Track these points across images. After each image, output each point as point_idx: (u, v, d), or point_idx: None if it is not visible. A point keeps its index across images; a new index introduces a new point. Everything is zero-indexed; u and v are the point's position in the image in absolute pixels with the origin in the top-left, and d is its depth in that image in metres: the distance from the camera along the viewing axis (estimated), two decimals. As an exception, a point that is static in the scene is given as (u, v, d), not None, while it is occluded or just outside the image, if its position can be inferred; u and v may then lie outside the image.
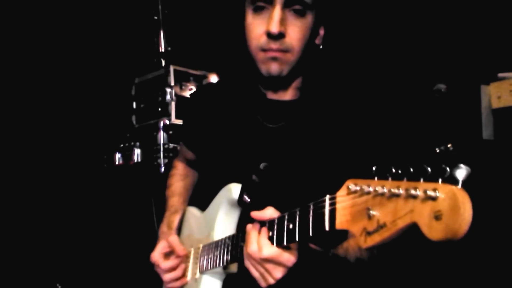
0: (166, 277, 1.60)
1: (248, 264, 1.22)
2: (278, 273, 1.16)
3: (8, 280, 3.11)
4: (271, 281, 1.18)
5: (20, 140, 3.28)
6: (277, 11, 1.36)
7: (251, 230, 1.22)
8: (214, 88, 1.74)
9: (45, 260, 3.24)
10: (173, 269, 1.59)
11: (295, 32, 1.39)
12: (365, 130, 1.45)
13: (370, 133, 1.45)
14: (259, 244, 1.16)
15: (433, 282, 2.06)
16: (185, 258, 1.62)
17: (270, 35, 1.38)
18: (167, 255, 1.63)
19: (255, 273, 1.21)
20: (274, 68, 1.42)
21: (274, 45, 1.39)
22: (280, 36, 1.37)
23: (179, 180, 1.87)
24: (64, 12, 3.36)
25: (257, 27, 1.41)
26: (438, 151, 1.83)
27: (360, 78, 1.60)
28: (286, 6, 1.37)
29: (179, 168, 1.90)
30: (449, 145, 1.83)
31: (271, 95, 1.54)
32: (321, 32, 1.50)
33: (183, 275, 1.61)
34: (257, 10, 1.41)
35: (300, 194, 1.10)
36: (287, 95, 1.53)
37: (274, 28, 1.36)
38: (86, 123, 3.43)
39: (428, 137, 1.95)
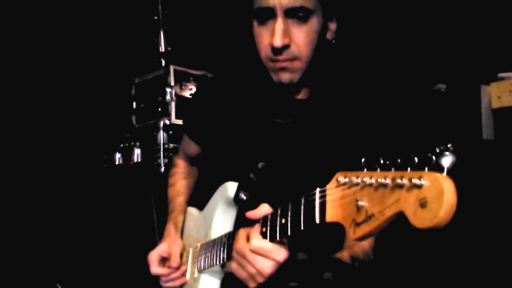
0: (162, 279, 1.63)
1: (234, 265, 1.20)
2: (268, 268, 1.12)
3: (8, 280, 3.11)
4: (260, 279, 1.14)
5: (20, 140, 3.28)
6: (278, 24, 1.35)
7: (241, 230, 1.21)
8: (221, 81, 1.71)
9: (45, 260, 3.24)
10: (163, 275, 1.62)
11: (301, 39, 1.38)
12: (366, 130, 1.46)
13: (370, 133, 1.45)
14: (249, 236, 1.15)
15: (427, 282, 2.06)
16: (182, 260, 1.63)
17: (274, 48, 1.37)
18: (164, 259, 1.63)
19: (242, 274, 1.17)
20: (284, 77, 1.42)
21: (281, 56, 1.38)
22: (285, 47, 1.37)
23: (182, 178, 1.86)
24: (64, 12, 3.36)
25: (264, 38, 1.41)
26: (438, 151, 1.83)
27: (364, 78, 1.60)
28: (287, 16, 1.36)
29: (181, 166, 1.89)
30: (449, 145, 1.82)
31: (281, 92, 1.53)
32: (332, 26, 1.46)
33: (179, 277, 1.61)
34: (262, 21, 1.40)
35: (297, 192, 1.10)
36: (298, 94, 1.54)
37: (277, 42, 1.35)
38: (86, 123, 3.43)
39: (428, 137, 1.95)
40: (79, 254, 3.25)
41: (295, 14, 1.35)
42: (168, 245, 1.63)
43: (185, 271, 1.62)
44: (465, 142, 1.96)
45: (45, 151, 3.34)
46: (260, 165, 1.39)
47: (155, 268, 1.61)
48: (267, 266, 1.12)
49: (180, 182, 1.84)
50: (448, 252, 2.00)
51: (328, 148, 1.45)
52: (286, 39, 1.36)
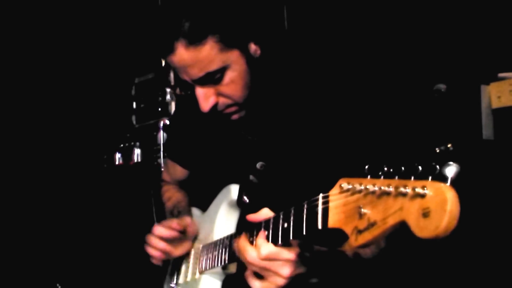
0: (153, 242, 1.55)
1: (251, 276, 1.18)
2: (286, 270, 1.12)
3: (8, 280, 3.12)
4: (281, 282, 1.13)
5: (20, 140, 3.28)
6: (198, 92, 1.33)
7: (240, 239, 1.20)
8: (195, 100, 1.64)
9: (45, 260, 3.24)
10: (163, 238, 1.54)
11: (225, 91, 1.35)
12: (364, 129, 1.44)
13: (368, 133, 1.44)
14: (256, 245, 1.14)
15: (429, 282, 2.06)
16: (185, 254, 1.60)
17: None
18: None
19: (262, 283, 1.16)
20: (234, 118, 1.42)
21: (218, 109, 1.37)
22: (215, 104, 1.35)
23: (177, 190, 1.84)
24: (64, 12, 3.36)
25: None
26: (438, 151, 1.82)
27: (355, 77, 1.58)
28: (203, 83, 1.33)
29: (171, 185, 1.88)
30: (449, 145, 1.82)
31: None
32: (253, 48, 1.36)
33: (171, 252, 1.56)
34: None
35: (298, 192, 1.10)
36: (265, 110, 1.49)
37: (204, 109, 1.35)
38: (86, 123, 3.43)
39: (428, 137, 1.95)
40: (79, 254, 3.25)
41: (209, 80, 1.31)
42: (177, 220, 1.57)
43: (187, 270, 1.60)
44: (465, 142, 1.96)
45: (46, 151, 3.34)
46: (258, 165, 1.39)
47: (158, 229, 1.54)
48: (284, 269, 1.12)
49: (176, 194, 1.83)
50: (447, 252, 2.00)
51: (326, 150, 1.43)
52: (212, 99, 1.34)
